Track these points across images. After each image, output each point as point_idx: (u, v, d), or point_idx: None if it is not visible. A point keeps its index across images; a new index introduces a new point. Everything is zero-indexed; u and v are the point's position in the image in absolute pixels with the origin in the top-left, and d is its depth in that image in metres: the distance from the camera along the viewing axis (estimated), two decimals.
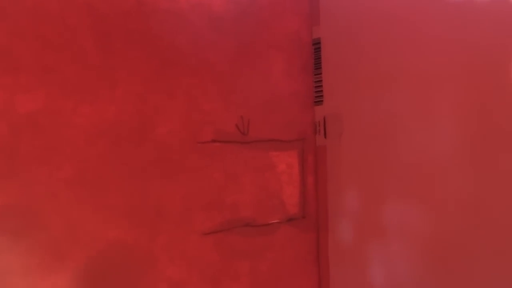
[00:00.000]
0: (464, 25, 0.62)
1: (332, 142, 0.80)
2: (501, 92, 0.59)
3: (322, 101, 0.82)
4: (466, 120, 0.62)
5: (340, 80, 0.79)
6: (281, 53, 0.81)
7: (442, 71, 0.65)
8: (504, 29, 0.59)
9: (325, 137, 0.82)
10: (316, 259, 0.84)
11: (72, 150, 0.66)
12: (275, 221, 0.80)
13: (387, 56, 0.71)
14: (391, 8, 0.71)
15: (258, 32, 0.79)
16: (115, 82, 0.69)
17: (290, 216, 0.82)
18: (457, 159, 0.63)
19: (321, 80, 0.82)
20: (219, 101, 0.76)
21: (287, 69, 0.82)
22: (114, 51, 0.69)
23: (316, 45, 0.83)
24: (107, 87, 0.68)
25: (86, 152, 0.67)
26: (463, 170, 0.63)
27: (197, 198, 0.74)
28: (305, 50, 0.83)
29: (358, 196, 0.77)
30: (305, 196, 0.83)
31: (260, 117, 0.79)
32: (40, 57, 0.64)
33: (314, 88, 0.83)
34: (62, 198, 0.65)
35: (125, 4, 0.70)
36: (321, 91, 0.82)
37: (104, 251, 0.68)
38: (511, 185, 0.58)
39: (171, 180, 0.72)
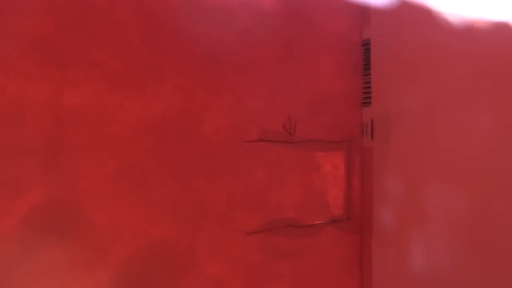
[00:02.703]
0: None
1: (379, 144, 0.79)
2: None
3: (370, 102, 0.80)
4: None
5: (389, 81, 0.78)
6: (330, 52, 0.80)
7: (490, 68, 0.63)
8: None
9: (372, 139, 0.80)
10: (359, 263, 0.83)
11: (117, 145, 0.66)
12: (319, 222, 0.79)
13: (437, 56, 0.70)
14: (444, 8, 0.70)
15: (307, 31, 0.78)
16: (162, 79, 0.69)
17: (334, 217, 0.81)
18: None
19: (369, 81, 0.80)
20: (266, 100, 0.75)
21: (335, 69, 0.80)
22: (162, 47, 0.69)
23: (366, 46, 0.81)
24: (154, 83, 0.68)
25: (131, 148, 0.67)
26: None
27: (241, 197, 0.74)
28: (354, 50, 0.82)
29: (404, 200, 0.75)
30: (350, 198, 0.82)
31: (307, 117, 0.78)
32: (87, 52, 0.64)
33: (362, 89, 0.82)
34: (106, 194, 0.65)
35: (174, 0, 0.70)
36: (370, 92, 0.80)
37: (147, 247, 0.68)
38: None
39: (216, 178, 0.72)
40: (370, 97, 0.80)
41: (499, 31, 0.62)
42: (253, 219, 0.75)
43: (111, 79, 0.66)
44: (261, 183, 0.75)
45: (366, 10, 0.82)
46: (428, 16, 0.71)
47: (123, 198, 0.66)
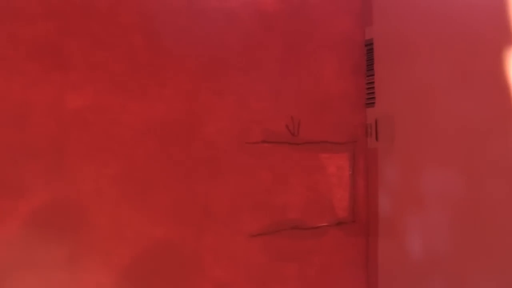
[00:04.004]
0: None
1: (384, 145, 0.79)
2: None
3: (374, 103, 0.80)
4: None
5: (392, 82, 0.78)
6: (333, 53, 0.80)
7: (488, 69, 0.63)
8: None
9: (376, 140, 0.80)
10: (365, 265, 0.83)
11: (120, 147, 0.66)
12: (324, 224, 0.79)
13: (441, 57, 0.70)
14: (445, 8, 0.70)
15: (309, 32, 0.78)
16: (164, 80, 0.69)
17: (339, 219, 0.81)
18: None
19: (373, 82, 0.80)
20: (269, 101, 0.75)
21: (338, 69, 0.80)
22: (164, 49, 0.69)
23: (369, 46, 0.81)
24: (156, 85, 0.68)
25: (133, 149, 0.67)
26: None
27: (245, 198, 0.74)
28: (357, 50, 0.82)
29: (409, 200, 0.75)
30: (355, 200, 0.82)
31: (311, 118, 0.78)
32: (89, 55, 0.65)
33: (366, 89, 0.82)
34: (109, 195, 0.65)
35: (176, 2, 0.70)
36: (373, 92, 0.80)
37: (150, 249, 0.68)
38: None
39: (219, 179, 0.72)
40: (373, 98, 0.80)
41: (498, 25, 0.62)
42: (257, 221, 0.75)
43: (114, 81, 0.66)
44: (265, 185, 0.75)
45: (368, 11, 0.82)
46: (430, 15, 0.71)
47: (127, 199, 0.66)
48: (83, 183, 0.64)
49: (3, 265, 0.61)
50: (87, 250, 0.64)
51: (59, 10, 0.64)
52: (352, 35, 0.82)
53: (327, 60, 0.80)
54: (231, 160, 0.73)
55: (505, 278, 0.62)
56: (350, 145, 0.81)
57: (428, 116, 0.72)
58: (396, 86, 0.77)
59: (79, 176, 0.64)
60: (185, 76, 0.70)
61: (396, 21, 0.78)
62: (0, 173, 0.61)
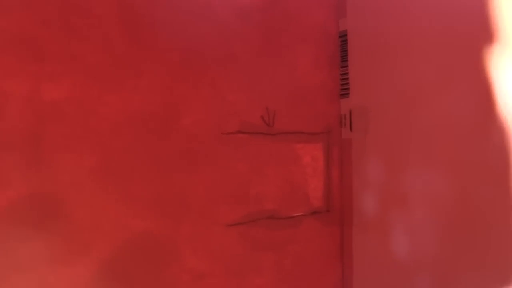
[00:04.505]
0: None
1: (358, 136, 0.80)
2: None
3: (348, 94, 0.81)
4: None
5: (366, 72, 0.78)
6: (308, 45, 0.81)
7: (467, 59, 0.64)
8: None
9: (351, 130, 0.81)
10: (340, 254, 0.84)
11: (97, 139, 0.66)
12: (299, 214, 0.80)
13: (415, 49, 0.71)
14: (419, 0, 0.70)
15: (285, 24, 0.79)
16: (140, 72, 0.69)
17: (314, 209, 0.81)
18: None
19: (347, 73, 0.81)
20: (245, 92, 0.76)
21: (313, 61, 0.81)
22: (140, 41, 0.69)
23: (343, 38, 0.82)
24: (133, 77, 0.68)
25: (111, 141, 0.67)
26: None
27: (222, 189, 0.74)
28: (331, 42, 0.82)
29: (384, 190, 0.76)
30: (330, 190, 0.83)
31: (286, 109, 0.78)
32: (66, 46, 0.64)
33: (340, 81, 0.82)
34: (87, 187, 0.65)
35: None
36: (347, 84, 0.81)
37: (128, 241, 0.68)
38: None
39: (196, 170, 0.72)
40: (348, 89, 0.81)
41: (475, 16, 0.63)
42: (233, 211, 0.75)
43: (91, 73, 0.66)
44: (241, 175, 0.76)
45: (342, 2, 0.82)
46: (403, 6, 0.72)
47: (104, 191, 0.66)
48: (60, 175, 0.64)
49: None
50: (65, 243, 0.64)
51: (36, 1, 0.63)
52: (327, 27, 0.82)
53: (303, 51, 0.80)
54: (207, 152, 0.73)
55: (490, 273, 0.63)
56: (325, 136, 0.82)
57: (402, 107, 0.72)
58: (370, 77, 0.78)
59: (56, 168, 0.63)
60: (162, 68, 0.70)
61: (370, 12, 0.78)
62: None
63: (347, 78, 0.81)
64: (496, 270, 0.62)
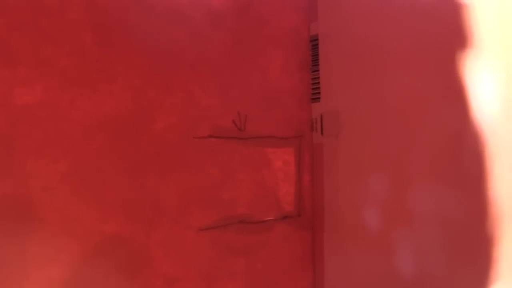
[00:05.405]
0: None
1: (329, 140, 0.80)
2: None
3: (319, 98, 0.81)
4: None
5: (337, 77, 0.79)
6: (279, 49, 0.81)
7: (440, 65, 0.65)
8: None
9: (322, 134, 0.81)
10: (312, 258, 0.84)
11: (69, 143, 0.66)
12: (271, 218, 0.80)
13: (385, 52, 0.71)
14: (388, 4, 0.71)
15: (257, 28, 0.79)
16: (113, 76, 0.69)
17: (286, 214, 0.82)
18: None
19: (318, 77, 0.81)
20: (217, 97, 0.76)
21: (285, 65, 0.81)
22: (113, 45, 0.69)
23: (314, 42, 0.82)
24: (105, 81, 0.68)
25: (83, 145, 0.67)
26: None
27: (194, 193, 0.74)
28: (303, 46, 0.83)
29: (354, 195, 0.76)
30: (301, 194, 0.83)
31: (257, 113, 0.79)
32: (38, 50, 0.64)
33: (311, 85, 0.83)
34: (59, 191, 0.65)
35: None
36: (318, 88, 0.81)
37: (100, 245, 0.68)
38: None
39: (168, 175, 0.72)
40: (319, 93, 0.81)
41: (450, 21, 0.63)
42: (205, 216, 0.75)
43: (63, 77, 0.66)
44: (213, 180, 0.76)
45: (313, 7, 0.83)
46: (373, 10, 0.72)
47: (76, 195, 0.66)
48: (33, 179, 0.64)
49: None
50: (37, 247, 0.64)
51: (7, 6, 0.63)
52: (298, 31, 0.83)
53: (274, 56, 0.81)
54: (179, 156, 0.73)
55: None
56: (296, 140, 0.82)
57: (374, 112, 0.73)
58: (342, 81, 0.78)
59: (28, 172, 0.63)
60: (134, 72, 0.70)
61: (340, 16, 0.79)
62: None
63: (318, 83, 0.81)
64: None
